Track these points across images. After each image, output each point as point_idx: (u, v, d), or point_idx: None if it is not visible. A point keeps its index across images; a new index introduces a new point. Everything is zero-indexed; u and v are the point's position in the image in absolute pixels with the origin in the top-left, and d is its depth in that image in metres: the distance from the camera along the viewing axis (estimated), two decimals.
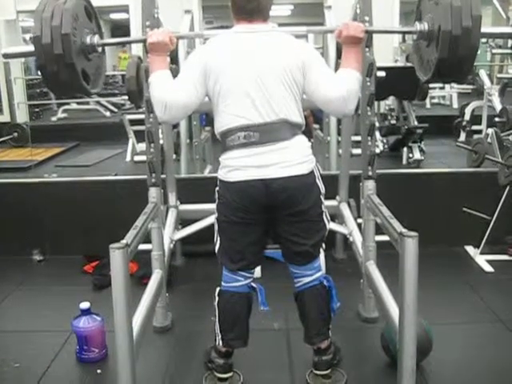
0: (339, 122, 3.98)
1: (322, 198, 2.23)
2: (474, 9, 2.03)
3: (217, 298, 2.29)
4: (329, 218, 2.28)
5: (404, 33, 2.07)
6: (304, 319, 2.33)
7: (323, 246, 2.31)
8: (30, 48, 2.14)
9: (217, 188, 2.23)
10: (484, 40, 8.73)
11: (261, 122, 2.08)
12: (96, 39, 2.28)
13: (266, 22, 2.19)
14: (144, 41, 2.26)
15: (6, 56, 2.34)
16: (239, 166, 2.10)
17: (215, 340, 2.30)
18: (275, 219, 2.20)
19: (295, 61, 2.10)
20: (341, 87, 2.07)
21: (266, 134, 2.08)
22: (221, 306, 2.28)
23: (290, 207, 2.13)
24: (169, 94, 2.08)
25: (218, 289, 2.31)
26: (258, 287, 2.31)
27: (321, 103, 2.16)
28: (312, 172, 2.17)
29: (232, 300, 2.27)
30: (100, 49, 2.35)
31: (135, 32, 7.22)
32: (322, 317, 2.29)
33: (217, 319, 2.28)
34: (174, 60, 3.81)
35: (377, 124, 4.06)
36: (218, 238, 2.26)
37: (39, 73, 2.20)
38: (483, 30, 2.06)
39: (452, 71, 2.16)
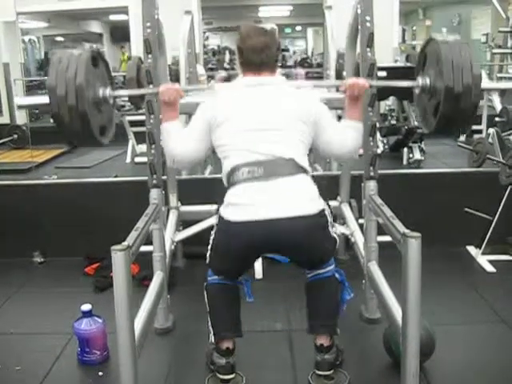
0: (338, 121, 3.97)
1: (331, 227, 2.22)
2: (474, 67, 2.11)
3: (205, 293, 2.32)
4: (336, 231, 2.26)
5: (407, 87, 2.18)
6: (311, 308, 2.33)
7: (334, 251, 2.31)
8: (44, 100, 2.22)
9: (216, 221, 2.23)
10: (484, 40, 8.73)
11: (265, 159, 2.09)
12: (108, 91, 2.36)
13: (274, 74, 2.24)
14: (157, 94, 2.35)
15: (20, 107, 2.43)
16: (241, 204, 2.08)
17: (208, 338, 2.31)
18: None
19: (303, 112, 2.17)
20: (350, 143, 2.25)
21: (271, 169, 2.08)
22: (209, 299, 2.31)
23: (294, 250, 2.17)
24: (177, 148, 2.24)
25: (204, 284, 2.33)
26: (244, 279, 2.34)
27: (332, 156, 2.43)
28: (322, 212, 2.14)
29: (219, 291, 2.29)
30: (112, 101, 2.41)
31: (135, 33, 7.21)
32: (329, 308, 2.30)
33: (208, 315, 2.31)
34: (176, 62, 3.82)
35: (377, 124, 4.07)
36: (209, 258, 2.29)
37: (51, 120, 2.26)
38: (483, 85, 2.18)
39: (453, 125, 2.27)
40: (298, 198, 2.08)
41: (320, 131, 2.20)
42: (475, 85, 2.10)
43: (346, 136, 2.24)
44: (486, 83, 2.17)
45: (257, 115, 2.15)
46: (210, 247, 2.27)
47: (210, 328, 2.30)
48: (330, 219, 2.19)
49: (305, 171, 2.15)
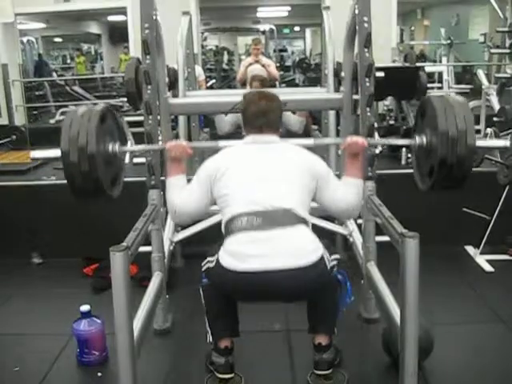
0: (338, 122, 3.97)
1: (331, 270, 2.23)
2: (469, 138, 2.14)
3: (201, 294, 2.33)
4: (330, 258, 2.23)
5: (404, 146, 2.24)
6: (311, 307, 2.33)
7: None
8: (57, 153, 2.27)
9: (208, 264, 2.24)
10: (482, 39, 8.73)
11: (264, 210, 2.11)
12: (118, 147, 2.41)
13: (277, 134, 2.31)
14: (163, 149, 2.44)
15: (34, 159, 2.53)
16: (239, 253, 2.09)
17: (206, 339, 2.31)
18: None
19: (305, 165, 2.23)
20: (351, 199, 2.28)
21: (270, 219, 2.10)
22: (205, 299, 2.32)
23: (292, 299, 2.24)
24: (179, 200, 2.27)
25: (200, 284, 2.34)
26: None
27: (334, 212, 2.38)
28: (321, 260, 2.13)
29: (215, 291, 2.29)
30: (121, 156, 2.48)
31: (133, 34, 7.20)
32: (328, 307, 2.30)
33: (205, 315, 2.32)
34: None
35: (376, 124, 4.06)
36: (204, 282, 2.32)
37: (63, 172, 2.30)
38: (477, 144, 2.20)
39: (446, 189, 2.38)
40: (295, 249, 2.09)
41: (323, 187, 2.25)
42: (468, 156, 2.16)
43: (347, 192, 2.28)
44: (481, 142, 2.22)
45: (258, 167, 2.21)
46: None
47: (208, 328, 2.30)
48: (328, 263, 2.18)
49: (304, 222, 2.16)
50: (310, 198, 2.24)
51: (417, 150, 2.41)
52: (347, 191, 2.28)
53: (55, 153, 2.29)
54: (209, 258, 2.24)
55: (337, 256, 2.28)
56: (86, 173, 2.21)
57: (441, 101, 2.24)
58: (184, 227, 3.58)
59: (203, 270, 2.28)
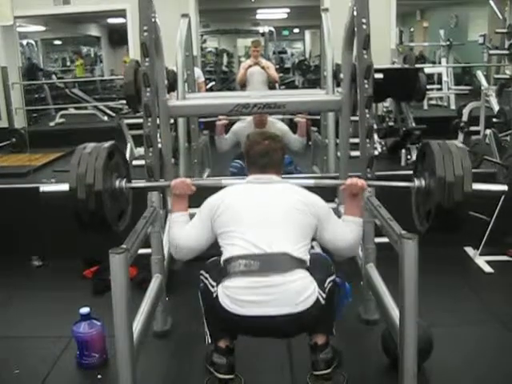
0: (337, 124, 3.97)
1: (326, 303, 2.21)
2: (465, 185, 2.17)
3: (200, 295, 2.33)
4: (323, 296, 2.20)
5: (403, 188, 2.26)
6: None
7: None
8: (65, 187, 2.33)
9: (212, 288, 2.23)
10: (481, 41, 8.74)
11: (261, 253, 2.14)
12: (124, 183, 2.46)
13: (279, 175, 2.36)
14: (168, 186, 2.52)
15: (44, 193, 2.58)
16: (240, 301, 2.12)
17: (205, 340, 2.31)
18: None
19: (307, 207, 2.24)
20: (351, 239, 2.32)
21: (267, 263, 2.12)
22: (204, 300, 2.31)
23: (290, 336, 2.33)
24: (180, 235, 2.33)
25: (199, 286, 2.34)
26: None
27: (334, 251, 2.40)
28: (317, 303, 2.15)
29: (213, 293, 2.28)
30: (127, 192, 2.53)
31: (132, 36, 7.22)
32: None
33: (203, 316, 2.32)
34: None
35: (375, 126, 4.07)
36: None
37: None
38: (474, 187, 2.21)
39: (443, 231, 2.40)
40: (292, 297, 2.11)
41: (323, 227, 2.28)
42: (465, 202, 2.19)
43: (346, 231, 2.32)
44: (478, 186, 2.26)
45: (258, 206, 2.24)
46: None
47: (206, 329, 2.31)
48: (323, 301, 2.17)
49: (301, 263, 2.17)
50: (309, 236, 2.27)
51: (416, 193, 2.45)
52: (346, 231, 2.33)
53: (65, 187, 2.34)
54: (210, 281, 2.26)
55: (332, 278, 2.27)
56: (93, 210, 2.27)
57: (440, 146, 2.28)
58: None
59: (201, 287, 2.31)
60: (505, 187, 2.52)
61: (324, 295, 2.18)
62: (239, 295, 2.12)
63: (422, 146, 2.48)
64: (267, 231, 2.18)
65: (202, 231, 2.29)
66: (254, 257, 2.13)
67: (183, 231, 2.34)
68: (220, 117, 4.48)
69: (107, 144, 2.41)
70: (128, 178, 2.54)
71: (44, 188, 2.58)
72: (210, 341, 2.31)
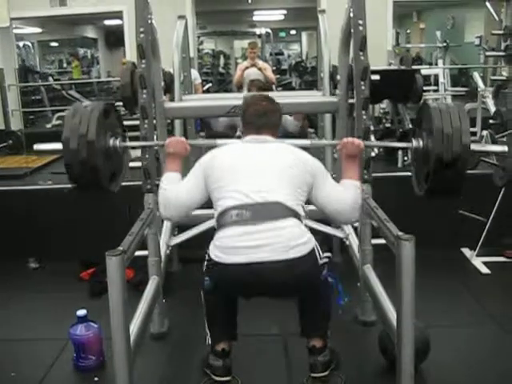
0: (334, 125, 3.98)
1: (322, 266, 2.19)
2: (464, 136, 2.17)
3: (202, 295, 2.30)
4: (321, 254, 2.20)
5: (401, 148, 2.28)
6: (302, 312, 2.32)
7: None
8: (58, 146, 2.35)
9: (206, 262, 2.21)
10: (477, 42, 8.76)
11: (254, 202, 2.11)
12: (118, 142, 2.46)
13: (275, 137, 2.33)
14: (162, 146, 2.46)
15: (38, 150, 2.64)
16: (230, 248, 2.09)
17: (205, 340, 2.31)
18: None
19: (300, 162, 2.22)
20: (349, 200, 2.25)
21: (259, 212, 2.09)
22: (206, 301, 2.30)
23: (282, 291, 2.20)
24: (172, 192, 2.27)
25: (202, 285, 2.31)
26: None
27: (330, 213, 2.30)
28: (312, 252, 2.12)
29: (216, 294, 2.27)
30: (121, 151, 2.53)
31: (129, 38, 7.21)
32: (320, 310, 2.29)
33: (205, 317, 2.31)
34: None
35: (372, 127, 4.07)
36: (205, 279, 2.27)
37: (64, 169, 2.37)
38: (473, 147, 2.26)
39: (442, 193, 2.38)
40: (284, 241, 2.06)
41: (318, 186, 2.23)
42: (464, 154, 2.18)
43: (344, 192, 2.26)
44: (478, 146, 2.26)
45: (252, 161, 2.22)
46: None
47: (207, 330, 2.30)
48: (319, 258, 2.16)
49: (295, 214, 2.14)
50: (304, 192, 2.21)
51: (414, 154, 2.43)
52: (343, 193, 2.26)
53: (59, 145, 2.35)
54: (206, 257, 2.23)
55: (328, 254, 2.23)
56: (84, 160, 2.25)
57: (437, 104, 2.29)
58: (179, 231, 3.58)
59: (203, 270, 2.25)
60: (504, 147, 2.50)
61: (320, 259, 2.15)
62: (230, 242, 2.09)
63: (419, 108, 2.48)
64: (261, 182, 2.14)
65: (195, 187, 2.25)
66: (247, 206, 2.10)
67: (175, 187, 2.29)
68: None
69: (104, 102, 2.44)
70: (123, 138, 2.53)
71: (38, 146, 2.57)
72: (209, 342, 2.30)
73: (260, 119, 2.29)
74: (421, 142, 2.36)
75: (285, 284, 2.10)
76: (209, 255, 2.16)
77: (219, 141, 2.49)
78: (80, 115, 2.29)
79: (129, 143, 2.62)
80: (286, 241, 2.06)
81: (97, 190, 2.45)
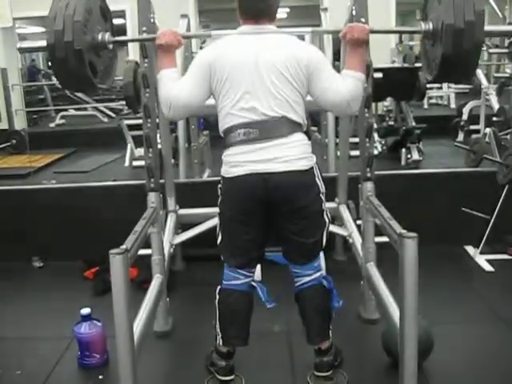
0: (337, 124, 3.98)
1: (323, 196, 2.23)
2: (476, 4, 2.03)
3: (217, 296, 2.30)
4: (329, 216, 2.28)
5: (409, 32, 2.14)
6: (304, 319, 2.33)
7: (324, 244, 2.29)
8: (43, 43, 2.19)
9: (219, 185, 2.25)
10: None
11: (260, 119, 2.10)
12: (107, 36, 2.32)
13: (273, 24, 2.21)
14: (154, 39, 2.28)
15: (20, 50, 2.41)
16: (239, 162, 2.13)
17: (216, 339, 2.30)
18: (276, 217, 2.21)
19: (301, 62, 2.12)
20: (346, 92, 2.12)
21: (265, 130, 2.10)
22: (221, 303, 2.28)
23: (289, 203, 2.15)
24: (174, 92, 2.15)
25: (218, 287, 2.32)
26: (259, 286, 2.31)
27: (326, 106, 2.22)
28: (311, 169, 2.17)
29: (232, 298, 2.28)
30: (111, 46, 2.37)
31: (132, 37, 7.22)
32: (321, 317, 2.30)
33: (217, 318, 2.29)
34: None
35: (375, 125, 4.07)
36: (220, 233, 2.28)
37: (49, 64, 2.21)
38: (487, 28, 2.06)
39: (456, 68, 2.16)
40: (290, 156, 2.11)
41: (317, 77, 2.14)
42: (478, 22, 2.02)
43: (342, 83, 2.14)
44: (491, 27, 2.08)
45: (254, 62, 2.11)
46: (218, 223, 2.29)
47: (218, 331, 2.28)
48: (317, 173, 2.20)
49: (299, 126, 2.17)
50: (305, 93, 2.18)
51: (423, 39, 2.30)
52: (341, 83, 2.14)
53: (40, 43, 2.23)
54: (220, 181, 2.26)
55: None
56: (69, 43, 2.10)
57: None
58: (183, 230, 3.58)
59: (218, 192, 2.27)
60: None
61: (319, 180, 2.20)
62: (239, 158, 2.13)
63: None
64: (264, 95, 2.10)
65: (197, 84, 2.16)
66: (253, 124, 2.10)
67: (176, 87, 2.17)
68: None
69: None
70: (112, 34, 2.38)
71: (21, 45, 2.44)
72: (221, 343, 2.29)
73: (258, 4, 2.15)
74: (430, 24, 2.20)
75: (288, 185, 2.13)
76: (221, 176, 2.21)
77: (214, 32, 2.41)
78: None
79: (118, 38, 2.44)
80: (292, 155, 2.12)
81: (81, 83, 2.28)
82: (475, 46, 2.08)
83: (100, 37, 2.29)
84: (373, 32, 2.26)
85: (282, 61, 2.12)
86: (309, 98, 2.23)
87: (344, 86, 2.12)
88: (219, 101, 2.18)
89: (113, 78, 2.51)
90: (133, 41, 2.59)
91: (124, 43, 2.52)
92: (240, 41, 2.19)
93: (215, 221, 2.34)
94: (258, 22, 2.17)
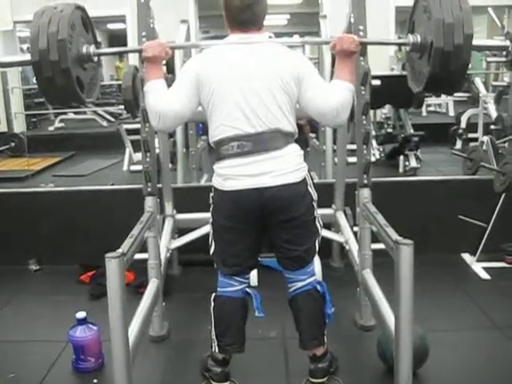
0: (335, 130, 3.99)
1: (315, 204, 2.23)
2: (465, 26, 2.02)
3: (212, 304, 2.30)
4: (321, 223, 2.29)
5: (397, 44, 2.10)
6: (298, 324, 2.33)
7: (316, 250, 2.30)
8: (27, 57, 2.14)
9: (211, 194, 2.24)
10: None
11: (253, 132, 2.09)
12: (92, 49, 2.29)
13: (261, 32, 2.20)
14: (140, 51, 2.25)
15: (2, 65, 2.32)
16: (233, 176, 2.12)
17: (211, 347, 2.30)
18: (269, 225, 2.21)
19: (289, 71, 2.11)
20: (334, 101, 2.10)
21: (259, 143, 2.09)
22: (216, 311, 2.28)
23: (282, 214, 2.14)
24: (162, 103, 2.11)
25: (213, 294, 2.32)
26: (253, 293, 2.32)
27: (314, 115, 2.20)
28: (304, 180, 2.17)
29: (226, 305, 2.28)
30: (96, 59, 2.35)
31: (132, 42, 7.24)
32: (315, 322, 2.30)
33: (212, 325, 2.29)
34: (170, 69, 3.84)
35: (373, 132, 4.08)
36: (213, 242, 2.28)
37: (35, 80, 2.19)
38: (475, 42, 2.06)
39: (442, 85, 2.20)
40: (284, 170, 2.11)
41: (306, 86, 2.13)
42: (466, 45, 2.02)
43: (330, 94, 2.12)
44: (477, 41, 2.07)
45: (245, 74, 2.09)
46: (211, 232, 2.28)
47: (214, 338, 2.28)
48: (309, 182, 2.20)
49: (291, 136, 2.18)
50: (294, 103, 2.17)
51: (411, 51, 2.28)
52: (330, 92, 2.12)
53: (24, 57, 2.18)
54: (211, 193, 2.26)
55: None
56: (55, 62, 2.05)
57: None
58: (179, 235, 3.59)
59: (211, 201, 2.27)
60: (506, 42, 2.36)
61: (311, 188, 2.21)
62: (233, 171, 2.12)
63: (415, 1, 2.29)
64: (256, 108, 2.08)
65: (186, 95, 2.11)
66: (246, 137, 2.09)
67: (164, 98, 2.12)
68: None
69: (74, 3, 2.23)
70: (96, 46, 2.34)
71: (2, 59, 2.39)
72: (217, 350, 2.29)
73: (246, 12, 2.10)
74: (418, 37, 2.19)
75: (282, 199, 2.12)
76: (213, 187, 2.21)
77: (203, 42, 2.39)
78: (50, 14, 2.08)
79: (102, 50, 2.42)
80: (287, 168, 2.12)
81: (69, 98, 2.23)
82: (462, 67, 2.10)
83: (85, 50, 2.26)
84: (362, 43, 2.28)
85: (271, 70, 2.11)
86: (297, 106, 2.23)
87: (333, 96, 2.11)
88: (209, 111, 2.15)
89: (98, 90, 2.48)
90: (117, 53, 2.59)
91: (108, 54, 2.47)
92: (228, 51, 2.17)
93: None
94: (246, 31, 2.15)
